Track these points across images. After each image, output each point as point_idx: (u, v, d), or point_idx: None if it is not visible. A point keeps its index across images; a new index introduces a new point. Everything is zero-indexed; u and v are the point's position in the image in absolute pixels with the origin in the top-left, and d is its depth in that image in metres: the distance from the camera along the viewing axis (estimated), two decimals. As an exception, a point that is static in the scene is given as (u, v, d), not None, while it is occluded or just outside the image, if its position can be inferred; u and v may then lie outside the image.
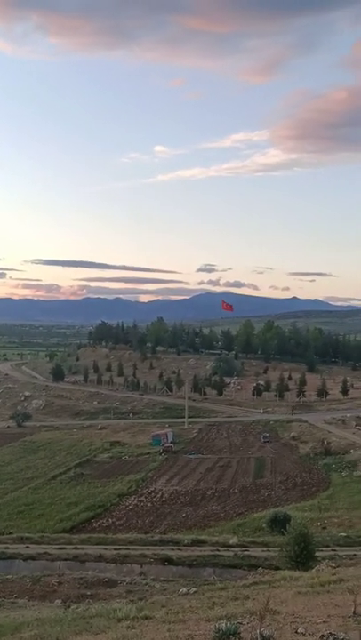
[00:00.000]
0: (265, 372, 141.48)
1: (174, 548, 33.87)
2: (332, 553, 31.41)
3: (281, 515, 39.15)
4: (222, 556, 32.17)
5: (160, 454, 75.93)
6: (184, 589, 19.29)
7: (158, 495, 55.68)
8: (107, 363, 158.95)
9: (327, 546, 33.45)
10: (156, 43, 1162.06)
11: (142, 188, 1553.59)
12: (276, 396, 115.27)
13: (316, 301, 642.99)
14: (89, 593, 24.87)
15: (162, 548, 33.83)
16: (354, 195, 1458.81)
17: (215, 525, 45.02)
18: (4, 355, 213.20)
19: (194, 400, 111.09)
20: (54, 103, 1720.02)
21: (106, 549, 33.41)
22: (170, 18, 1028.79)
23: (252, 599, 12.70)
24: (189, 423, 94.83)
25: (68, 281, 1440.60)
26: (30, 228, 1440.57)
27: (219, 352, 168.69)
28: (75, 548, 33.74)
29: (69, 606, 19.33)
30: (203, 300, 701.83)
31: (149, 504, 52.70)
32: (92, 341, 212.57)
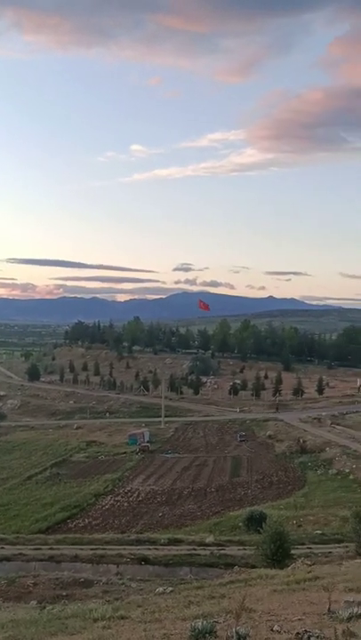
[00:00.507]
0: (241, 371, 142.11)
1: (151, 547, 33.82)
2: (308, 551, 31.62)
3: (257, 513, 39.32)
4: (199, 555, 32.20)
5: (136, 454, 75.83)
6: (160, 589, 19.26)
7: (135, 495, 55.59)
8: (83, 362, 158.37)
9: (303, 544, 33.66)
10: (133, 41, 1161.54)
11: (119, 187, 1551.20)
12: (252, 395, 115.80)
13: (292, 300, 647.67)
14: (65, 593, 24.70)
15: (138, 547, 33.76)
16: (329, 195, 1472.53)
17: (192, 524, 45.06)
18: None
19: (170, 399, 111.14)
20: (30, 101, 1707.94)
21: (82, 549, 33.24)
22: (147, 16, 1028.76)
23: (229, 598, 12.73)
24: (166, 422, 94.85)
25: (44, 280, 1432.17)
26: (5, 227, 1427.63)
27: (195, 351, 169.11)
28: (50, 549, 33.50)
29: (45, 607, 19.14)
30: (179, 299, 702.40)
31: (126, 504, 52.58)
32: (68, 341, 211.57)
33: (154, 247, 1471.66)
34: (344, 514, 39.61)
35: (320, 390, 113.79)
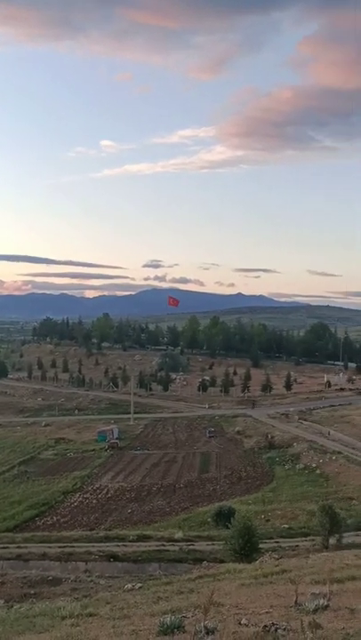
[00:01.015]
0: (210, 368, 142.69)
1: (120, 544, 33.82)
2: (276, 545, 32.01)
3: (226, 508, 39.60)
4: (168, 550, 32.33)
5: (106, 450, 75.58)
6: (129, 585, 19.27)
7: (104, 492, 55.41)
8: (51, 359, 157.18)
9: (271, 538, 34.04)
10: (103, 36, 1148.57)
11: (89, 182, 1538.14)
12: (221, 391, 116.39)
13: (261, 297, 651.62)
14: (33, 592, 24.56)
15: (107, 544, 33.74)
16: (298, 193, 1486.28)
17: (161, 520, 45.13)
18: None
19: (140, 396, 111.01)
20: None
21: (50, 547, 33.07)
22: (118, 11, 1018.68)
23: (197, 592, 12.80)
24: (135, 419, 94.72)
25: (12, 276, 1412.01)
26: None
27: (165, 348, 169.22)
28: (18, 547, 33.27)
29: (12, 606, 19.00)
30: (149, 295, 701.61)
31: (95, 501, 52.39)
32: (36, 337, 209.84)
33: (123, 243, 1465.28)
34: (311, 508, 40.14)
35: (288, 386, 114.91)
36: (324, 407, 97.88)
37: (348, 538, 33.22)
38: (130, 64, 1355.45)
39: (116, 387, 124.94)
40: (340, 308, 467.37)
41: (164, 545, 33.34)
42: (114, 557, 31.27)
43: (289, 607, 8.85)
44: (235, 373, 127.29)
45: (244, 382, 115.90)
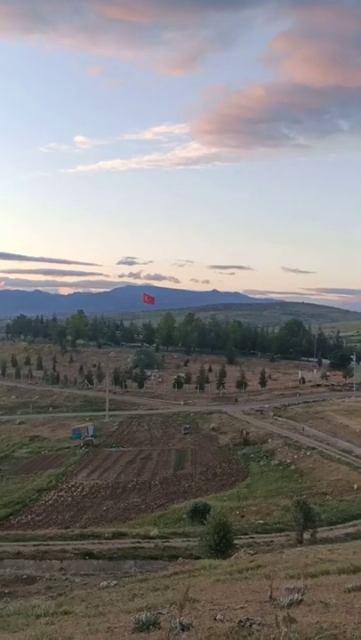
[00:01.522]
0: (186, 365, 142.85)
1: (95, 541, 33.75)
2: (251, 540, 32.24)
3: (201, 505, 39.73)
4: (143, 547, 32.36)
5: (80, 448, 75.33)
6: (104, 583, 19.23)
7: (79, 489, 55.22)
8: (25, 356, 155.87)
9: (246, 533, 34.27)
10: (73, 30, 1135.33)
11: (62, 178, 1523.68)
12: (196, 388, 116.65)
13: (236, 294, 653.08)
14: (7, 591, 24.40)
15: (82, 542, 33.65)
16: (272, 190, 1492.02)
17: (136, 518, 45.14)
18: None
19: (115, 393, 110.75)
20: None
21: (25, 546, 32.87)
22: (88, 5, 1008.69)
23: (173, 589, 12.83)
24: (110, 416, 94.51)
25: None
26: None
27: (140, 345, 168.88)
28: (-8, 546, 32.98)
29: (-14, 605, 18.84)
30: (124, 292, 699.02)
31: (70, 498, 52.19)
32: (10, 335, 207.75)
33: (98, 240, 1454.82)
34: (285, 503, 40.49)
35: (263, 383, 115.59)
36: (298, 403, 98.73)
37: (323, 533, 33.61)
38: (101, 59, 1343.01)
39: (91, 384, 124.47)
40: (314, 305, 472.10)
41: (139, 542, 33.37)
42: (89, 555, 31.21)
43: (264, 602, 8.90)
44: (210, 370, 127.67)
45: (219, 379, 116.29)
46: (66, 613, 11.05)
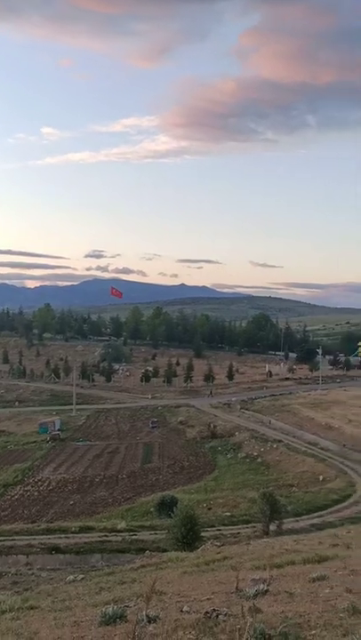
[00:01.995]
0: (153, 358, 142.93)
1: (62, 536, 33.57)
2: (218, 532, 32.44)
3: (168, 498, 39.86)
4: (110, 541, 32.31)
5: (47, 442, 74.78)
6: (71, 577, 19.15)
7: (45, 484, 54.85)
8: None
9: (213, 526, 34.48)
10: (43, 19, 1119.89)
11: (30, 170, 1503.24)
12: (164, 381, 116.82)
13: (204, 288, 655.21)
14: (-28, 587, 24.09)
15: (49, 536, 33.44)
16: (240, 184, 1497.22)
17: (104, 511, 45.06)
18: None
19: (82, 387, 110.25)
20: None
21: (-10, 541, 32.49)
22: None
23: (140, 582, 12.84)
24: (77, 410, 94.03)
25: None
26: None
27: (107, 339, 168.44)
28: None
29: None
30: (91, 286, 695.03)
31: (36, 493, 51.81)
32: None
33: (65, 233, 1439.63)
34: (252, 495, 40.87)
35: (230, 376, 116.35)
36: (265, 397, 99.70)
37: (288, 524, 34.01)
38: (71, 50, 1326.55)
39: (58, 378, 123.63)
40: (282, 299, 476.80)
41: (106, 536, 33.30)
42: (56, 550, 31.03)
43: (230, 593, 8.97)
44: (177, 364, 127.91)
45: (186, 372, 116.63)
46: (32, 608, 10.97)
